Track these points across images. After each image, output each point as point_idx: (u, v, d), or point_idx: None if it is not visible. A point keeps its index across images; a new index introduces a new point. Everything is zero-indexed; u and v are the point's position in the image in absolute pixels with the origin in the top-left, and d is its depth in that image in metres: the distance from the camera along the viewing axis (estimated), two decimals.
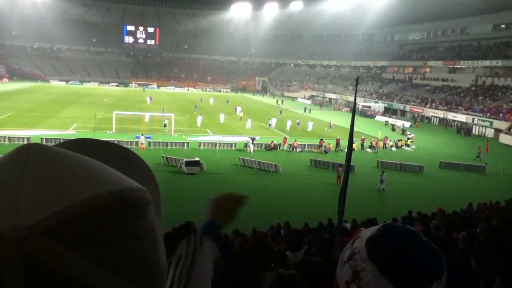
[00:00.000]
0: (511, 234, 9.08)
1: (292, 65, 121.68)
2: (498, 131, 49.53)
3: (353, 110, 16.67)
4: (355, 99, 17.37)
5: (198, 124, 43.58)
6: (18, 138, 30.97)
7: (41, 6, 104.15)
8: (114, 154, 0.62)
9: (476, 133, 53.27)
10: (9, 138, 30.76)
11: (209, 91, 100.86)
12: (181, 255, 1.44)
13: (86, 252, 0.43)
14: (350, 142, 16.38)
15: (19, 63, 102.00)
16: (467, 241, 7.92)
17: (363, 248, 0.92)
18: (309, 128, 46.19)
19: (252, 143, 34.19)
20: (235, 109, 55.61)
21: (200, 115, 46.37)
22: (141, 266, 0.49)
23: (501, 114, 52.75)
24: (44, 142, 29.84)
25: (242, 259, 3.73)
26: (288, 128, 45.72)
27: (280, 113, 54.31)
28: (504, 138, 46.67)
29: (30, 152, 0.48)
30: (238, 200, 1.64)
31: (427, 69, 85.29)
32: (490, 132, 51.37)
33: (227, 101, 72.24)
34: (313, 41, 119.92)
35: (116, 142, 0.64)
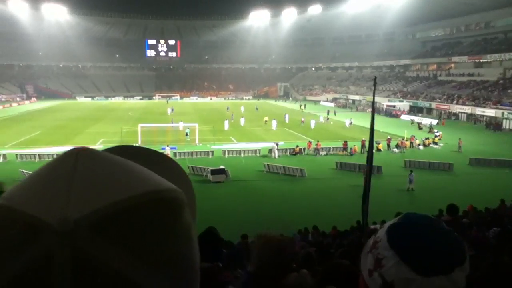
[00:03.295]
0: None
1: (313, 69, 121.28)
2: None
3: (372, 110, 16.59)
4: (373, 100, 17.35)
5: (226, 127, 46.48)
6: (48, 155, 31.50)
7: (65, 25, 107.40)
8: (153, 159, 0.66)
9: (507, 127, 51.68)
10: (39, 155, 31.48)
11: (232, 99, 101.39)
12: None
13: (126, 246, 0.46)
14: (371, 141, 16.24)
15: (46, 82, 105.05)
16: (498, 239, 7.64)
17: (384, 236, 0.93)
18: (312, 126, 49.40)
19: (277, 149, 34.12)
20: (284, 117, 56.09)
21: (227, 120, 49.34)
22: (177, 265, 0.51)
23: None
24: None
25: (264, 264, 3.68)
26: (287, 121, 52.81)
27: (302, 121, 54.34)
28: None
29: (79, 155, 0.52)
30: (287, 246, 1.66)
31: (452, 65, 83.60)
32: None
33: (256, 109, 72.30)
34: (334, 43, 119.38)
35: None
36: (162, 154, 0.71)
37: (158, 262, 0.48)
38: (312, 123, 50.29)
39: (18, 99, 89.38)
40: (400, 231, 0.93)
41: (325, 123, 54.69)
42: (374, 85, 16.54)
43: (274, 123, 49.31)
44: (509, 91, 60.57)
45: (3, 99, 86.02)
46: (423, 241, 0.89)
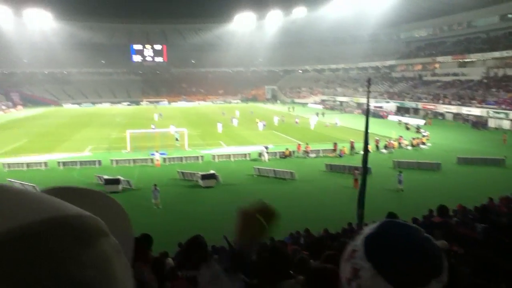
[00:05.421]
0: None
1: (300, 71, 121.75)
2: None
3: (367, 112, 16.47)
4: (368, 101, 17.14)
5: (219, 130, 47.66)
6: (36, 163, 31.22)
7: (49, 32, 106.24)
8: (88, 197, 0.63)
9: (492, 125, 52.42)
10: (27, 164, 31.01)
11: (220, 103, 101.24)
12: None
13: (9, 281, 0.41)
14: (366, 144, 16.17)
15: (31, 89, 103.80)
16: (485, 235, 7.79)
17: (362, 247, 0.94)
18: (312, 127, 51.83)
19: (266, 152, 34.20)
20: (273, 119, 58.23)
21: (220, 122, 50.23)
22: None
23: None
24: (61, 166, 30.36)
25: (260, 270, 3.70)
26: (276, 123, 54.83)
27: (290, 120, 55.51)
28: None
29: None
30: (271, 215, 1.47)
31: (436, 65, 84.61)
32: (506, 124, 50.58)
33: (251, 112, 72.44)
34: (319, 45, 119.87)
35: (100, 192, 0.67)
36: (99, 192, 0.67)
37: None
38: (312, 123, 52.93)
39: (3, 107, 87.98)
40: (377, 243, 0.93)
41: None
42: (368, 86, 16.44)
43: (260, 124, 50.92)
44: (493, 89, 61.50)
45: None
46: (399, 254, 0.89)
